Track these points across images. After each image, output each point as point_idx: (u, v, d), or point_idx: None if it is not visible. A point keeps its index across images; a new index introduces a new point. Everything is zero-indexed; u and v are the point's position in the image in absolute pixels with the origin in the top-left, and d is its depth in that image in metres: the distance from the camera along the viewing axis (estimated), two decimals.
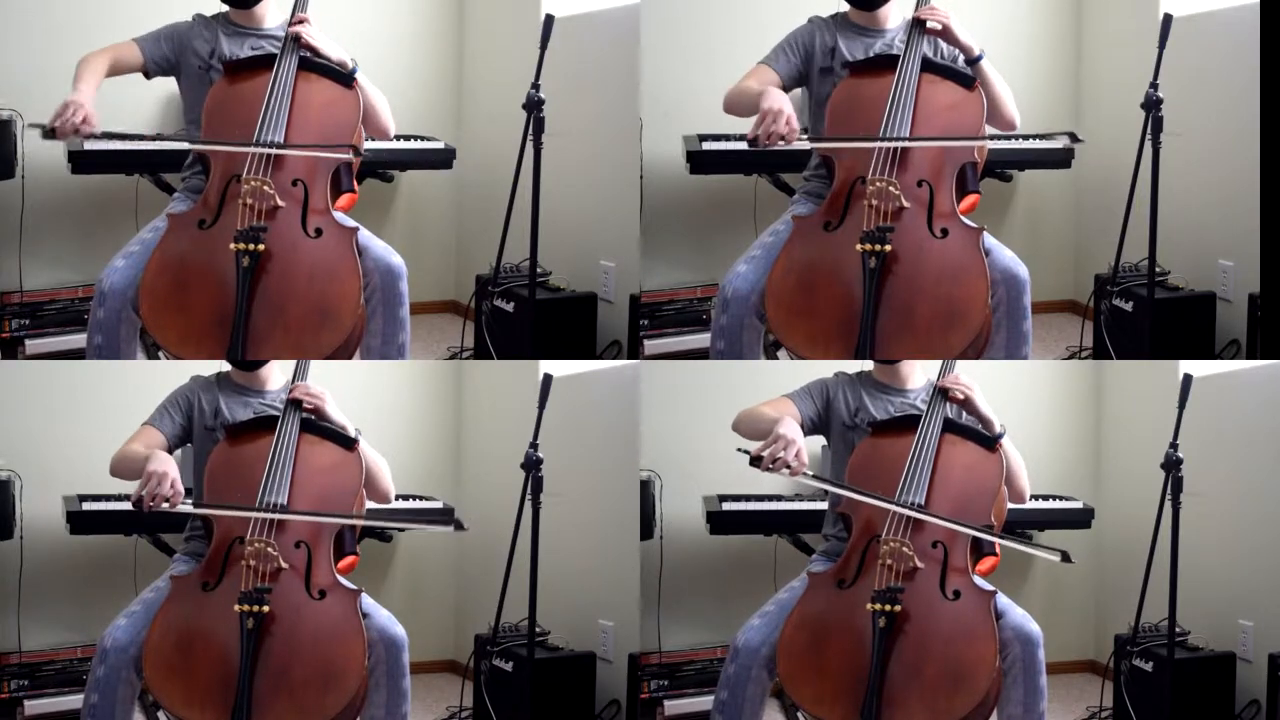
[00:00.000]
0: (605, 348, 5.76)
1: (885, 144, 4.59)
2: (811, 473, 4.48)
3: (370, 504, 4.74)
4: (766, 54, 4.77)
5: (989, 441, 4.58)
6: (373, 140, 4.95)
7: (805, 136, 4.62)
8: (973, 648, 4.47)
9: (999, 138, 4.96)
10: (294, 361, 4.66)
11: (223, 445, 4.57)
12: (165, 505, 4.40)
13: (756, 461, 4.44)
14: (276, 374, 4.73)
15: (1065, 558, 4.49)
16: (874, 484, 4.55)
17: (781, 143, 4.56)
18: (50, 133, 4.57)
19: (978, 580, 4.53)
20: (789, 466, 4.42)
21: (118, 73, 4.73)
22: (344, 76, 4.69)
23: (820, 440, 4.87)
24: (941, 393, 4.63)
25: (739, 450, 4.48)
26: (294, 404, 4.60)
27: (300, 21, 4.68)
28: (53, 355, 5.70)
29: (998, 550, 4.57)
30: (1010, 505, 4.64)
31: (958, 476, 4.55)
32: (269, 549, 4.46)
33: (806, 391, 4.72)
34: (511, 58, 5.77)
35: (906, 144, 4.59)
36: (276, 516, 4.48)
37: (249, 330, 4.59)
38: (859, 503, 4.54)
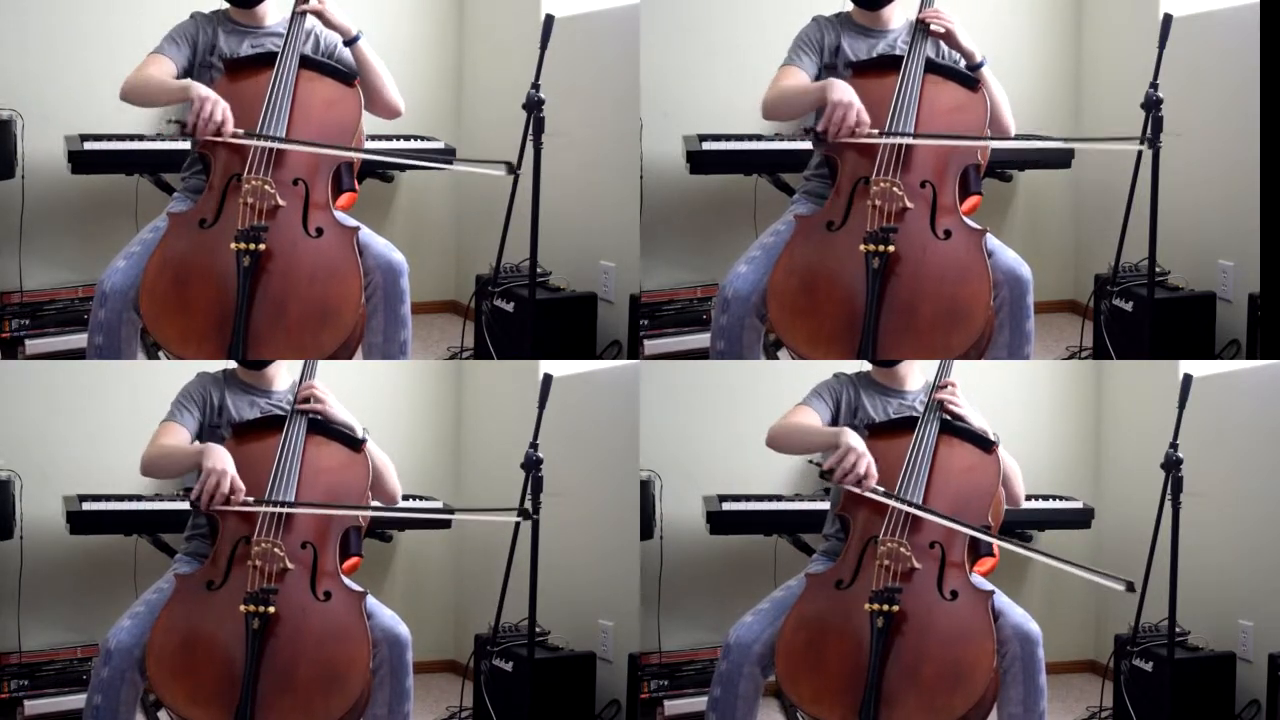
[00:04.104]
0: (605, 348, 5.76)
1: (950, 142, 4.57)
2: (883, 489, 4.49)
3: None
4: (786, 57, 4.75)
5: (986, 444, 4.58)
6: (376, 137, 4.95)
7: (876, 131, 4.60)
8: (971, 647, 4.47)
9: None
10: (301, 361, 4.66)
11: (229, 444, 4.55)
12: (224, 504, 4.42)
13: (828, 474, 4.49)
14: (283, 374, 4.72)
15: (1130, 588, 4.48)
16: None
17: (851, 137, 4.56)
18: (191, 130, 4.55)
19: (975, 580, 4.53)
20: (860, 480, 4.45)
21: None
22: (345, 75, 4.69)
23: None
24: (922, 26, 4.67)
25: (810, 462, 4.50)
26: (301, 403, 4.60)
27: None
28: (53, 355, 5.69)
29: (995, 551, 4.58)
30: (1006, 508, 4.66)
31: (955, 478, 4.56)
32: (275, 549, 4.46)
33: (818, 395, 4.72)
34: (511, 58, 5.77)
35: (975, 143, 4.57)
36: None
37: (249, 330, 4.58)
38: (857, 503, 4.54)
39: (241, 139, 4.57)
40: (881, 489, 4.49)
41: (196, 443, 4.60)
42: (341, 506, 4.52)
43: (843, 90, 4.57)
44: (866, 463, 4.47)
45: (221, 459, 4.44)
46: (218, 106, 4.53)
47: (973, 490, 4.55)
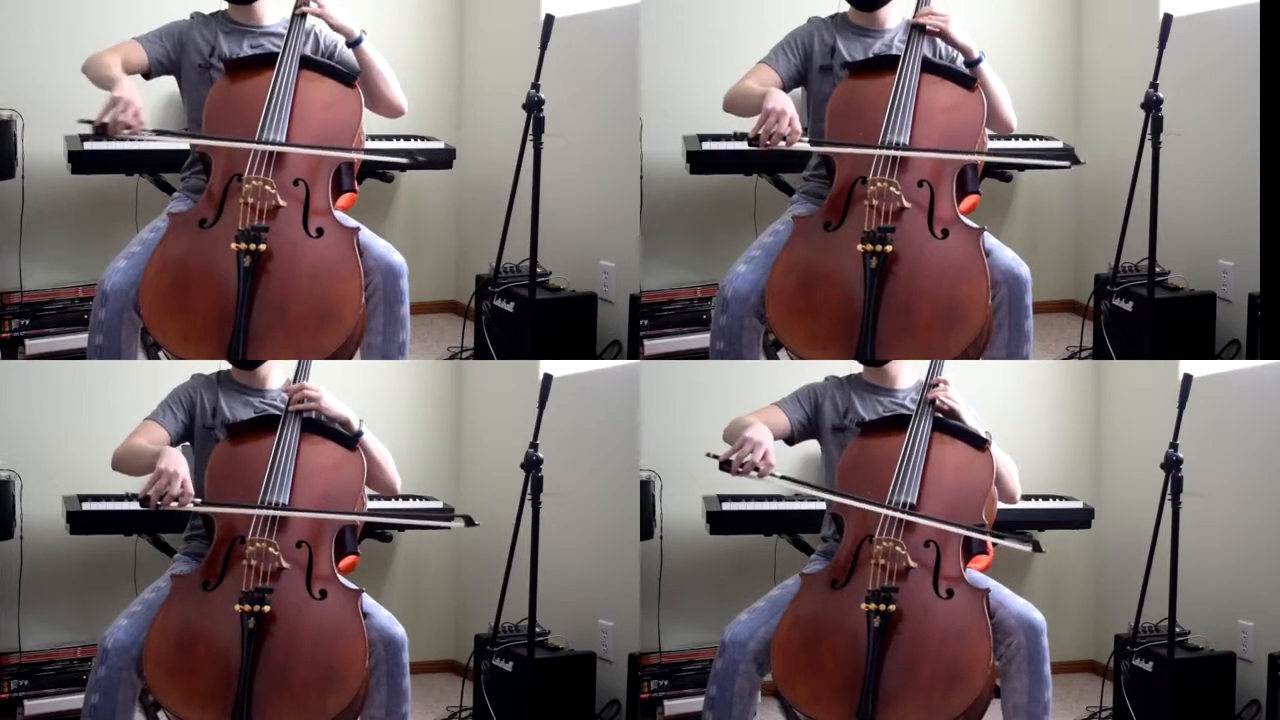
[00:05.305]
0: (605, 348, 5.76)
1: (885, 152, 4.58)
2: (780, 474, 4.51)
3: (379, 500, 4.76)
4: (766, 54, 4.77)
5: (979, 441, 4.58)
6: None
7: (806, 139, 4.62)
8: (967, 645, 4.47)
9: (1000, 154, 4.96)
10: (295, 361, 4.66)
11: (224, 445, 4.57)
12: (174, 505, 4.40)
13: (726, 465, 4.49)
14: (277, 373, 4.73)
15: (1036, 547, 4.57)
16: (864, 484, 4.56)
17: (782, 144, 4.56)
18: (100, 130, 4.56)
19: (971, 577, 4.53)
20: (756, 468, 4.46)
21: (125, 73, 4.74)
22: (345, 76, 4.70)
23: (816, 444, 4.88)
24: (918, 28, 4.68)
25: (709, 455, 4.52)
26: (296, 403, 4.60)
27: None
28: (53, 355, 5.70)
29: (989, 549, 4.58)
30: (1004, 504, 4.66)
31: (949, 476, 4.56)
32: (270, 548, 4.46)
33: (795, 398, 4.74)
34: (511, 58, 5.77)
35: (906, 154, 4.58)
36: (280, 513, 4.48)
37: (249, 330, 4.59)
38: (850, 503, 4.54)
39: (150, 138, 4.56)
40: (780, 474, 4.51)
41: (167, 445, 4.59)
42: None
43: (776, 99, 4.58)
44: (763, 451, 4.48)
45: (174, 461, 4.42)
46: (129, 109, 4.53)
47: (967, 488, 4.55)
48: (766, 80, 4.72)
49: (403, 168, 5.96)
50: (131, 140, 4.56)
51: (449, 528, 4.71)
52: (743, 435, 4.51)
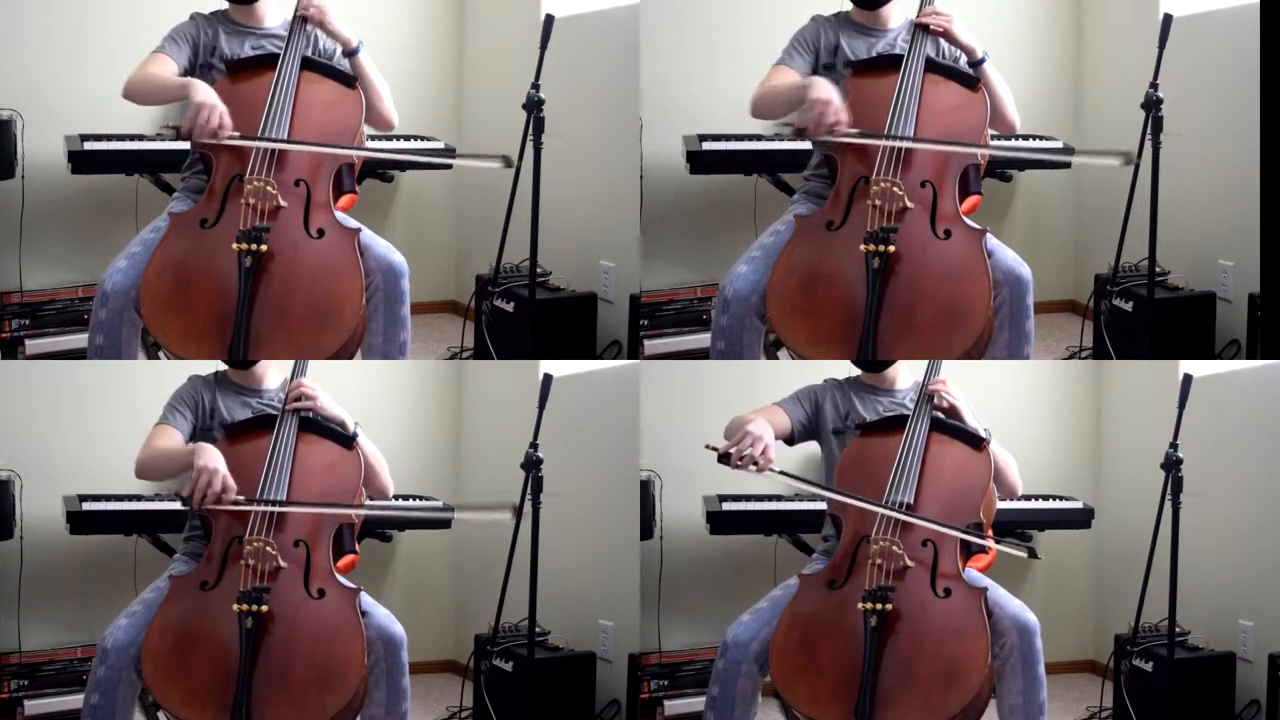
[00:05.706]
0: (605, 348, 5.76)
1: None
2: (779, 469, 4.52)
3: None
4: (779, 56, 4.76)
5: (977, 441, 4.58)
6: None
7: (854, 130, 4.60)
8: (964, 645, 4.47)
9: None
10: (292, 360, 4.66)
11: (221, 445, 4.56)
12: (217, 504, 4.42)
13: (725, 459, 4.50)
14: (274, 372, 4.73)
15: (1032, 554, 4.57)
16: (862, 484, 4.56)
17: (830, 134, 4.55)
18: (187, 134, 4.56)
19: (969, 576, 4.53)
20: (755, 463, 4.48)
21: None
22: (346, 77, 4.70)
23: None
24: (922, 28, 4.67)
25: (707, 447, 4.52)
26: (292, 401, 4.60)
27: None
28: (53, 355, 5.69)
29: (988, 548, 4.58)
30: (1004, 503, 4.66)
31: (947, 476, 4.56)
32: (268, 548, 4.46)
33: (795, 398, 4.74)
34: (511, 58, 5.77)
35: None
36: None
37: (250, 330, 4.58)
38: (848, 503, 4.55)
39: (238, 141, 4.57)
40: (777, 469, 4.51)
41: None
42: (335, 505, 4.53)
43: (821, 88, 4.57)
44: (763, 445, 4.49)
45: (213, 457, 4.44)
46: (214, 112, 4.53)
47: (964, 487, 4.55)
48: (791, 79, 4.70)
49: (403, 166, 5.97)
50: (222, 140, 4.54)
51: (503, 519, 4.70)
52: (743, 429, 4.52)
